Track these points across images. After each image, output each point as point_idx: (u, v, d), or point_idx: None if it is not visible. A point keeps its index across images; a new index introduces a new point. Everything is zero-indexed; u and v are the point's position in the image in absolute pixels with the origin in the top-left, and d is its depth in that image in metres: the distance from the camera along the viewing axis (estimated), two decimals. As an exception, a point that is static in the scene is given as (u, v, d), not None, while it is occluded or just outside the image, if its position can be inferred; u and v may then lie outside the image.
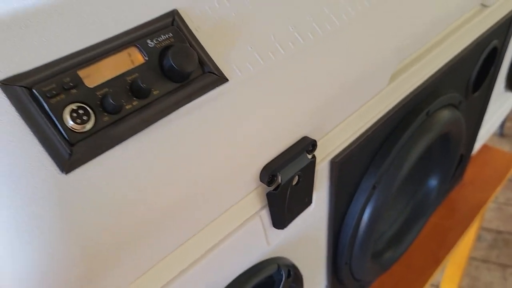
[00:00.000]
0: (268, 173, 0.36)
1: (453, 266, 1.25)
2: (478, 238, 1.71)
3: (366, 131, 0.46)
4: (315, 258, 0.52)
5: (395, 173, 0.52)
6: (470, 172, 0.97)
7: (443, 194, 0.77)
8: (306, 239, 0.48)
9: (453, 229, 0.88)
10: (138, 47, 0.31)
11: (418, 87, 0.51)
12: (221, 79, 0.34)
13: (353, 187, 0.50)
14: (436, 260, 0.82)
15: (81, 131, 0.28)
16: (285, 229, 0.42)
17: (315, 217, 0.47)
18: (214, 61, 0.34)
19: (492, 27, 0.61)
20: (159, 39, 0.32)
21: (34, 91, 0.27)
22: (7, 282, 0.27)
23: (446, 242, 0.85)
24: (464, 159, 0.83)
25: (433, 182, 0.71)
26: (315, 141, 0.39)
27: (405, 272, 0.78)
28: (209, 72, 0.33)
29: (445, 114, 0.57)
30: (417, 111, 0.52)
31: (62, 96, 0.28)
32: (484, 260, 1.65)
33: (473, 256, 1.66)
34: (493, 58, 0.67)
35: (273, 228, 0.41)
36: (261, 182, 0.37)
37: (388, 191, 0.52)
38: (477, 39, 0.58)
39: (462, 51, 0.56)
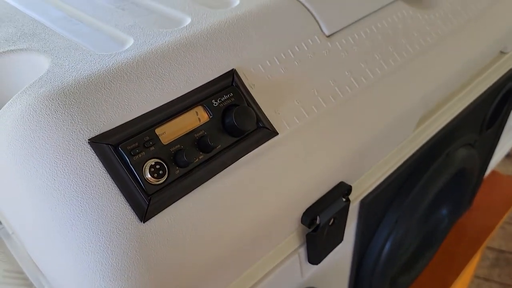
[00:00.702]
0: (310, 217, 0.40)
1: (457, 284, 1.29)
2: (481, 256, 1.75)
3: (392, 173, 0.50)
4: (339, 285, 0.56)
5: (416, 209, 0.56)
6: (478, 197, 1.01)
7: (453, 220, 0.81)
8: (332, 269, 0.52)
9: (461, 254, 0.91)
10: (204, 107, 0.35)
11: (439, 131, 0.55)
12: (273, 133, 0.38)
13: (377, 222, 0.54)
14: (444, 284, 0.86)
15: (156, 183, 0.32)
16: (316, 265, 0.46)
17: (342, 250, 0.51)
18: (267, 116, 0.38)
19: (509, 71, 0.64)
20: (221, 99, 0.36)
21: (119, 149, 0.31)
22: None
23: (454, 267, 0.89)
24: (474, 188, 0.87)
25: (445, 211, 0.75)
26: (350, 186, 0.43)
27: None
28: (262, 127, 0.37)
29: (462, 153, 0.61)
30: (437, 153, 0.56)
31: (143, 153, 0.32)
32: (486, 278, 1.69)
33: (476, 274, 1.69)
34: (507, 98, 0.70)
35: (308, 263, 0.45)
36: (301, 224, 0.41)
37: (409, 224, 0.56)
38: (495, 83, 0.62)
39: (481, 95, 0.60)
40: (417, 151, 0.53)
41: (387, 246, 0.57)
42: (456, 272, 0.87)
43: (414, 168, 0.55)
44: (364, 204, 0.47)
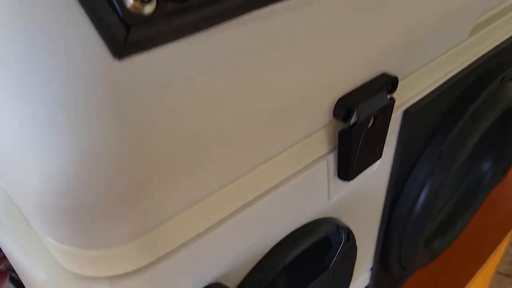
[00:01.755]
0: (344, 107, 0.30)
1: (480, 279, 1.18)
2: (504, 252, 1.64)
3: (441, 85, 0.41)
4: (367, 229, 0.46)
5: (462, 145, 0.46)
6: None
7: (493, 183, 0.71)
8: (362, 205, 0.42)
9: (494, 228, 0.81)
10: None
11: (496, 46, 0.46)
12: (301, -14, 0.28)
13: (418, 151, 0.45)
14: (477, 259, 0.76)
15: (139, 12, 0.23)
16: (346, 186, 0.37)
17: (376, 178, 0.41)
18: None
19: None
20: None
21: (89, -45, 0.22)
22: (32, 180, 0.21)
23: (487, 241, 0.79)
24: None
25: (486, 164, 0.65)
26: (396, 78, 0.33)
27: (445, 270, 0.72)
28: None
29: (517, 86, 0.51)
30: (492, 75, 0.46)
31: (123, -34, 0.22)
32: (508, 274, 1.58)
33: (498, 270, 1.58)
34: None
35: (337, 179, 0.35)
36: (333, 118, 0.31)
37: (452, 161, 0.46)
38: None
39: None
40: (470, 65, 0.43)
41: (425, 188, 0.47)
42: (489, 247, 0.77)
43: (465, 89, 0.45)
44: (409, 115, 0.38)
